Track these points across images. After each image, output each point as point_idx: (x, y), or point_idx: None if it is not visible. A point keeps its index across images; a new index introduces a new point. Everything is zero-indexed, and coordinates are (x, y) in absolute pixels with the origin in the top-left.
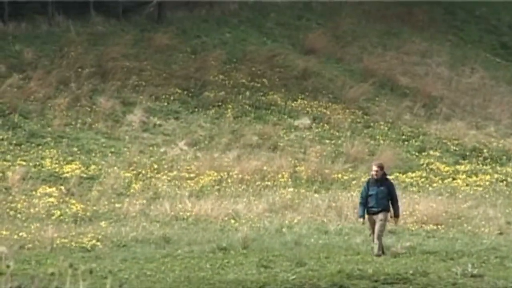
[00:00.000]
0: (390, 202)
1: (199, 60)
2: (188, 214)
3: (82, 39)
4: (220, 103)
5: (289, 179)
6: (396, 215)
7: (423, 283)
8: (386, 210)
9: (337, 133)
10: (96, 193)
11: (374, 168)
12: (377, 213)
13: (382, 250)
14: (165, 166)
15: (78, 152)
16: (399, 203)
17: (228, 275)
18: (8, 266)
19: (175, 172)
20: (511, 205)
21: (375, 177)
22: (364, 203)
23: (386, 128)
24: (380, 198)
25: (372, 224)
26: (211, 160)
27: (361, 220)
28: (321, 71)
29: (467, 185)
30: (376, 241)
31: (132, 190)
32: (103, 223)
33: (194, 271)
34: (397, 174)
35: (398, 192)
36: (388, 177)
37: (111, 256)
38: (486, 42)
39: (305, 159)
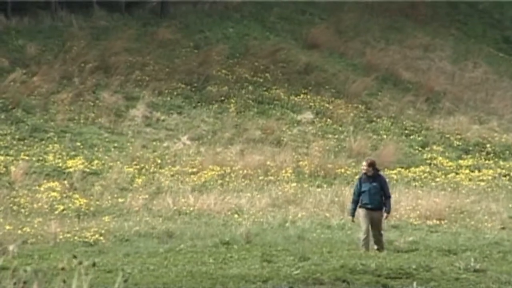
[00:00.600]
0: (383, 198)
1: (202, 55)
2: (191, 208)
3: (85, 33)
4: (223, 98)
5: (292, 174)
6: (387, 212)
7: (426, 277)
8: (380, 208)
9: (340, 128)
10: (99, 188)
11: (364, 164)
12: (371, 209)
13: (367, 247)
14: (168, 161)
15: (81, 147)
16: (391, 200)
17: (231, 269)
18: (14, 258)
19: (178, 167)
20: None
21: (364, 173)
22: (357, 200)
23: (389, 123)
24: (373, 194)
25: (366, 218)
26: (214, 155)
27: (350, 218)
28: (324, 66)
29: (470, 180)
30: (377, 238)
31: (135, 185)
32: (106, 218)
33: (197, 266)
34: (400, 169)
35: (401, 187)
36: (381, 173)
37: (114, 251)
38: (489, 36)
39: (308, 154)
